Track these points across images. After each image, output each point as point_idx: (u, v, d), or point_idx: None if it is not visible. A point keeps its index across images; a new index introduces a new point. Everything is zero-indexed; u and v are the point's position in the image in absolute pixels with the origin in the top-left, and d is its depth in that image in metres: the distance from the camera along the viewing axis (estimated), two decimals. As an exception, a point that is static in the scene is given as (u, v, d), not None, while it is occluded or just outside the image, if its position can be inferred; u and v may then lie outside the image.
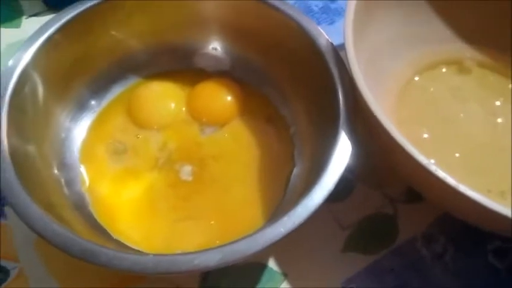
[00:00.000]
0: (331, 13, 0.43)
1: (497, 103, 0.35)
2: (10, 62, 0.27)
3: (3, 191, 0.23)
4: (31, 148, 0.27)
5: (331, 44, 0.29)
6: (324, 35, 0.30)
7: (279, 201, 0.30)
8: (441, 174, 0.23)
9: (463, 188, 0.22)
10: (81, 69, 0.32)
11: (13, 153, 0.25)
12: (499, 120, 0.34)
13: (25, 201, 0.23)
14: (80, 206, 0.28)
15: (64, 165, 0.29)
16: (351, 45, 0.28)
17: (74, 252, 0.21)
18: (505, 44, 0.37)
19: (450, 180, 0.23)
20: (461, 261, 0.30)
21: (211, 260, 0.22)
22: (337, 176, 0.25)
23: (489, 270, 0.30)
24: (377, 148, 0.29)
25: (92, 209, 0.29)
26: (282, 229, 0.23)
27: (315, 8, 0.43)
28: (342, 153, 0.26)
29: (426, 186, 0.27)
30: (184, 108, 0.34)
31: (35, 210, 0.23)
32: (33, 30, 0.30)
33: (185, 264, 0.22)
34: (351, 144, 0.26)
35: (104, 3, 0.31)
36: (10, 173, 0.24)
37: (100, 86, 0.33)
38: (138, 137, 0.33)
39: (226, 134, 0.34)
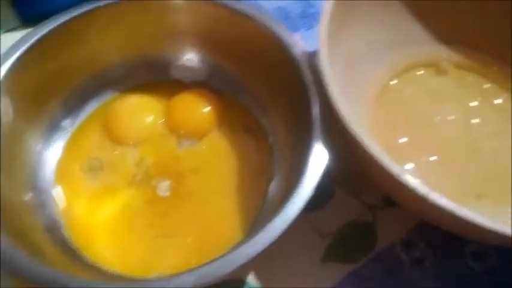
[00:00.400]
0: (310, 18, 0.43)
1: (474, 104, 0.35)
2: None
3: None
4: (1, 173, 0.27)
5: (306, 52, 0.29)
6: (298, 43, 0.30)
7: (258, 213, 0.30)
8: (412, 183, 0.23)
9: (435, 196, 0.22)
10: (54, 87, 0.32)
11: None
12: (476, 121, 0.34)
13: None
14: (53, 229, 0.28)
15: (37, 189, 0.29)
16: (325, 54, 0.28)
17: (42, 284, 0.21)
18: (481, 44, 0.37)
19: (421, 189, 0.23)
20: (440, 266, 0.30)
21: (187, 282, 0.22)
22: (311, 187, 0.25)
23: (468, 273, 0.30)
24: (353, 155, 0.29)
25: (67, 230, 0.29)
26: (256, 247, 0.23)
27: (293, 14, 0.43)
28: (317, 164, 0.26)
29: (401, 196, 0.27)
30: (161, 121, 0.34)
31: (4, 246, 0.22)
32: (8, 46, 0.29)
33: (160, 289, 0.22)
34: (327, 152, 0.26)
35: (77, 19, 0.31)
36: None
37: (74, 104, 0.33)
38: (115, 153, 0.33)
39: (204, 146, 0.33)
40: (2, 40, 0.40)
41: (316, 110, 0.27)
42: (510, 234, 0.21)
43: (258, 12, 0.31)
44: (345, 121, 0.26)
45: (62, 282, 0.21)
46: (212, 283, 0.23)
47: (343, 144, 0.28)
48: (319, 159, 0.26)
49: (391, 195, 0.29)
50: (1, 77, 0.28)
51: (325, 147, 0.26)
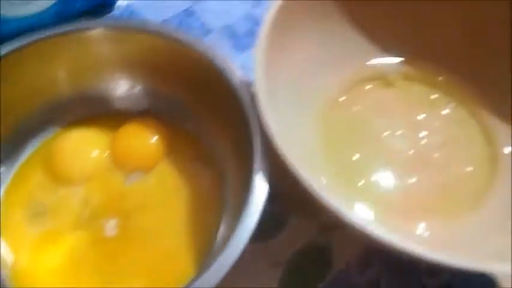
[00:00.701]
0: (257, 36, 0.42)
1: (422, 116, 0.35)
2: None
3: None
4: None
5: (245, 81, 0.29)
6: (237, 72, 0.29)
7: (211, 246, 0.30)
8: (349, 217, 0.22)
9: (370, 230, 0.22)
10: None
11: None
12: (424, 133, 0.35)
13: None
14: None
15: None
16: (262, 88, 0.27)
17: None
18: (427, 54, 0.37)
19: (358, 222, 0.22)
20: (396, 284, 0.30)
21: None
22: (255, 219, 0.25)
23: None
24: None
25: (11, 283, 0.28)
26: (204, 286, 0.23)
27: (240, 32, 0.42)
28: (259, 195, 0.25)
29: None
30: (107, 155, 0.33)
31: None
32: None
33: None
34: (267, 184, 0.26)
35: (10, 55, 0.30)
36: None
37: (12, 145, 0.32)
38: (59, 194, 0.31)
39: (152, 180, 0.32)
40: None
41: (257, 140, 0.27)
42: (457, 266, 0.21)
43: (195, 40, 0.31)
44: (282, 156, 0.25)
45: None
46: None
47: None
48: (260, 190, 0.25)
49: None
50: None
51: (266, 177, 0.26)
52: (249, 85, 0.29)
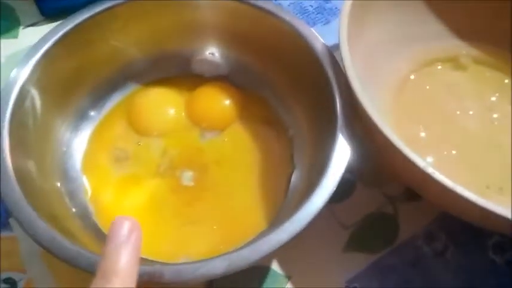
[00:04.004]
0: (326, 13, 0.43)
1: (493, 99, 0.36)
2: (10, 77, 0.28)
3: (9, 206, 0.24)
4: (33, 162, 0.27)
5: (327, 47, 0.30)
6: (319, 38, 0.30)
7: (281, 204, 0.31)
8: (438, 176, 0.23)
9: (460, 189, 0.23)
10: (80, 80, 0.32)
11: (16, 168, 0.25)
12: (495, 115, 0.35)
13: (31, 217, 0.23)
14: (84, 216, 0.29)
15: (66, 177, 0.30)
16: (346, 48, 0.28)
17: (81, 266, 0.22)
18: (501, 40, 0.37)
19: (447, 182, 0.23)
20: (462, 258, 0.30)
21: (218, 268, 0.22)
22: (336, 178, 0.26)
23: (489, 265, 0.30)
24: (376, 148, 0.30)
25: (96, 218, 0.29)
26: (285, 235, 0.24)
27: (310, 8, 0.43)
28: (341, 156, 0.26)
29: (424, 188, 0.28)
30: (183, 114, 0.35)
31: (41, 226, 0.23)
32: (30, 40, 0.30)
33: (191, 273, 0.22)
34: (350, 146, 0.26)
35: (101, 14, 0.32)
36: (15, 189, 0.24)
37: (99, 95, 0.34)
38: (139, 144, 0.33)
39: (226, 138, 0.34)
40: (24, 34, 0.40)
41: (339, 104, 0.28)
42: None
43: (278, 8, 0.32)
44: (370, 114, 0.26)
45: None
46: (241, 269, 0.23)
47: (365, 137, 0.29)
48: (342, 152, 0.26)
49: (414, 187, 0.29)
50: (30, 69, 0.28)
51: (348, 141, 0.27)
52: (329, 52, 0.30)
